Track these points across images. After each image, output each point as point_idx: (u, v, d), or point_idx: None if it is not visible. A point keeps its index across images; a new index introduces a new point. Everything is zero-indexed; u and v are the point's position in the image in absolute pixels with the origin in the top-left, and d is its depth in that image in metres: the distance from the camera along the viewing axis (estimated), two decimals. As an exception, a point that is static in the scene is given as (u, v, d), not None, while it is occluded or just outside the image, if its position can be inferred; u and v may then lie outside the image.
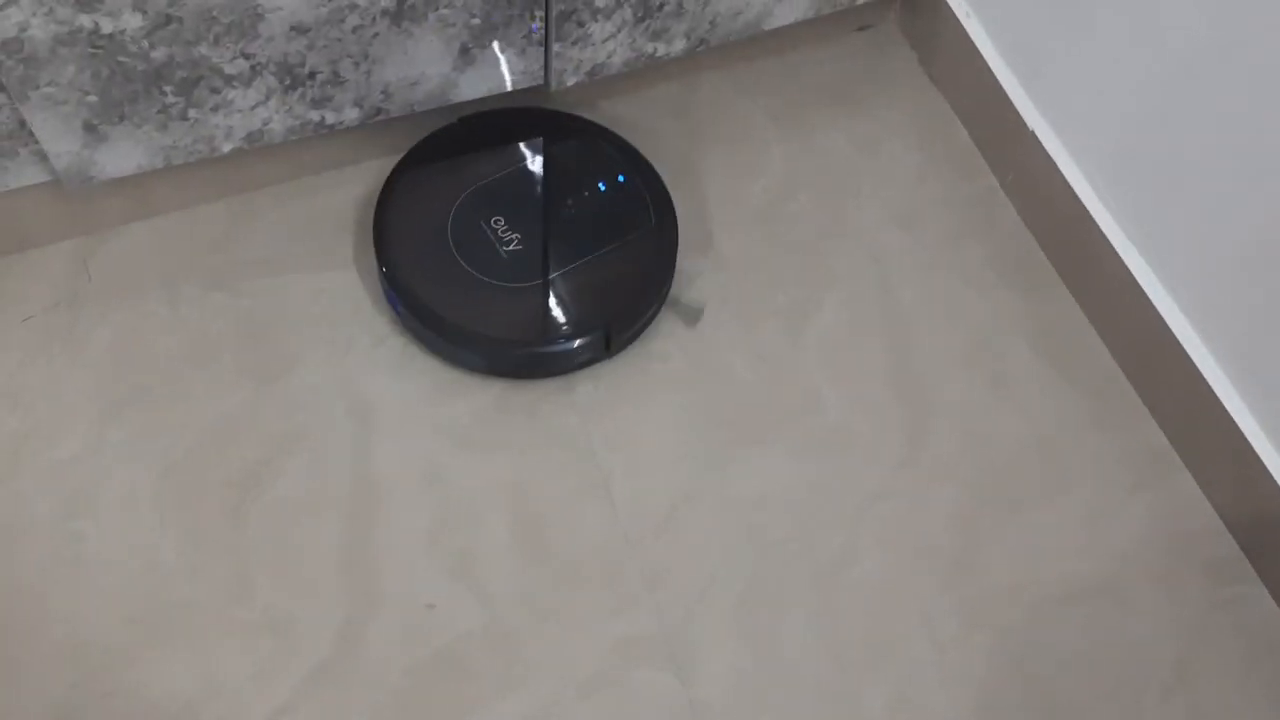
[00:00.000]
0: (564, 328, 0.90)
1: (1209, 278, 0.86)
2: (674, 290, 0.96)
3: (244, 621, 0.82)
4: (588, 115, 1.02)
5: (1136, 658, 0.85)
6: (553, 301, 0.91)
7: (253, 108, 0.87)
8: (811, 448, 0.92)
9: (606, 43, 0.94)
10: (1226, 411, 0.86)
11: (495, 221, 0.93)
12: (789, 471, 0.90)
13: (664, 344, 0.95)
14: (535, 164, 0.97)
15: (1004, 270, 1.01)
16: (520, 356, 0.91)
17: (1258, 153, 0.78)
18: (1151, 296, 0.90)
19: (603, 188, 0.96)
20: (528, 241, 0.92)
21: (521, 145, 0.98)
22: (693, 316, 0.92)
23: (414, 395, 0.91)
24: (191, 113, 0.85)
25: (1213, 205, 0.83)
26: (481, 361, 0.91)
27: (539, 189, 0.96)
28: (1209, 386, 0.87)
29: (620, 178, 0.96)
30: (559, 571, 0.85)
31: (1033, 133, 0.98)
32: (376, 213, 0.94)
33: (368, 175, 1.01)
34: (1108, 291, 0.95)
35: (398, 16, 0.84)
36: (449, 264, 0.91)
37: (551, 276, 0.91)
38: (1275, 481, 0.83)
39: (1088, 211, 0.94)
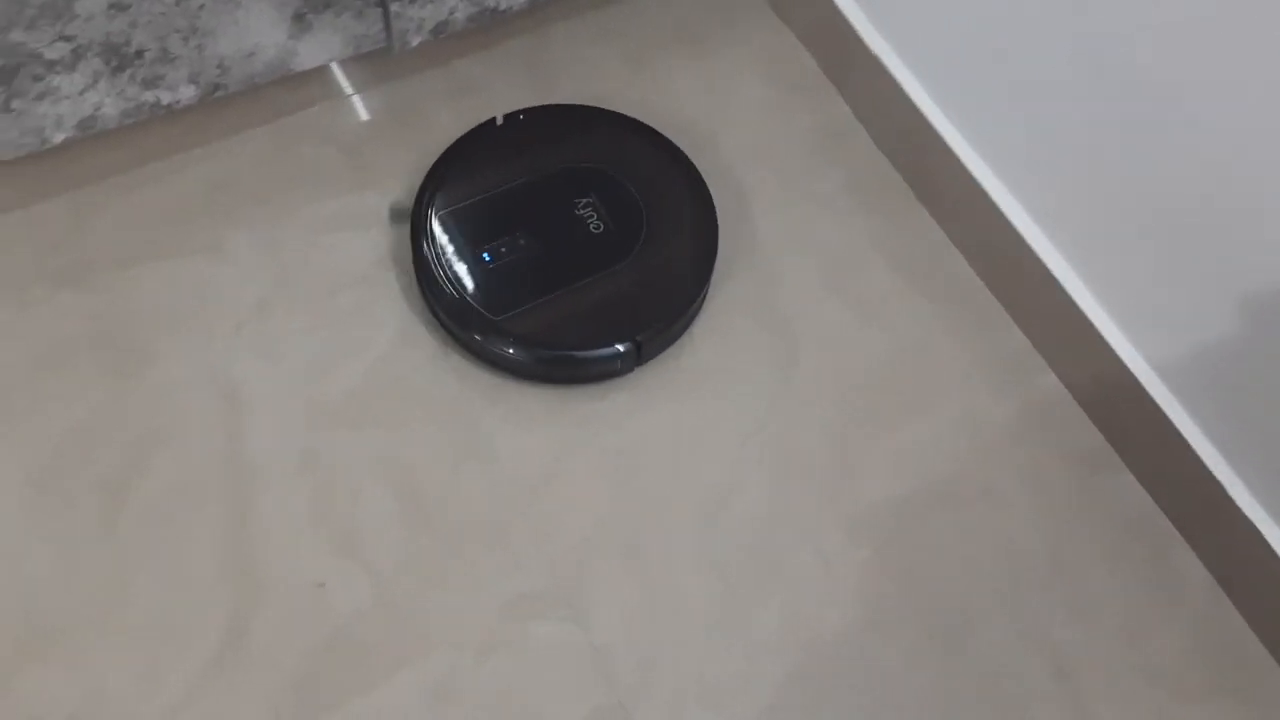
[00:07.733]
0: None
1: (1050, 179, 0.89)
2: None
3: (125, 625, 0.80)
4: (441, 74, 1.00)
5: (1014, 554, 0.88)
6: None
7: (81, 93, 0.84)
8: (683, 388, 0.92)
9: (444, -1, 0.93)
10: (1078, 307, 0.89)
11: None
12: (664, 414, 0.91)
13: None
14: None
15: (862, 195, 1.02)
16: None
17: (1086, 52, 0.80)
18: (1001, 204, 0.93)
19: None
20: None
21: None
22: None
23: (287, 374, 0.90)
24: (15, 103, 0.82)
25: (1048, 109, 0.86)
26: None
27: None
28: (1060, 284, 0.90)
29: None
30: (446, 537, 0.85)
31: (876, 57, 0.99)
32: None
33: (216, 156, 0.98)
34: (959, 205, 0.97)
35: (220, -13, 0.81)
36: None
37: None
38: (1129, 370, 0.87)
39: (934, 128, 0.96)
